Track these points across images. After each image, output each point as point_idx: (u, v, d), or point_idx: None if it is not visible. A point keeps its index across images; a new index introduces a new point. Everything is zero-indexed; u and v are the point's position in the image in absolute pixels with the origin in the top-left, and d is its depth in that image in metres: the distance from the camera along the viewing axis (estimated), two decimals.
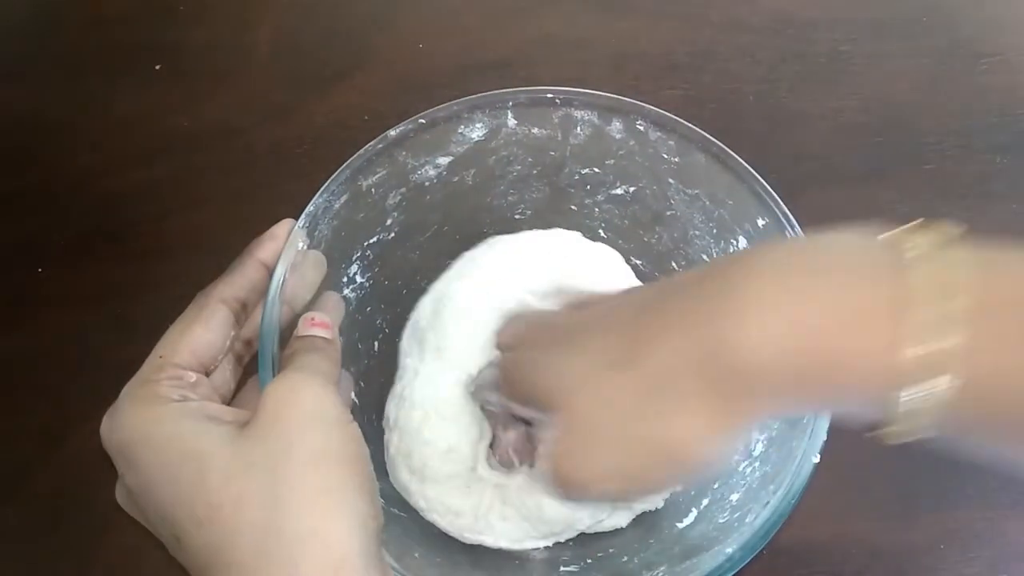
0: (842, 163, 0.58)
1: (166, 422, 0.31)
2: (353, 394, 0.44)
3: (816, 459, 0.37)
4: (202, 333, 0.35)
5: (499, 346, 0.41)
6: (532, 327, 0.39)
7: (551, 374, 0.32)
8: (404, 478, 0.42)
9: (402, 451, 0.42)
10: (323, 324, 0.36)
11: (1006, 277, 0.25)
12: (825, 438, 0.37)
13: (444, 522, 0.42)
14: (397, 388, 0.45)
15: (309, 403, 0.30)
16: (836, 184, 0.57)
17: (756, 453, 0.41)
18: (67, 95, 0.64)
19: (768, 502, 0.36)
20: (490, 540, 0.42)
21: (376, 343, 0.47)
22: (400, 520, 0.41)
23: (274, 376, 0.34)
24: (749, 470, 0.40)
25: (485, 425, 0.42)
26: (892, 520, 0.46)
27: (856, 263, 0.27)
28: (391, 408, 0.44)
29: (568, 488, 0.32)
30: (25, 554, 0.46)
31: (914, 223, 0.27)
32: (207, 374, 0.35)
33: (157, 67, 0.64)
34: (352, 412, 0.43)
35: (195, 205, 0.58)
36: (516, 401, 0.36)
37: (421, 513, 0.42)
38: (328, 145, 0.59)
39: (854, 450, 0.48)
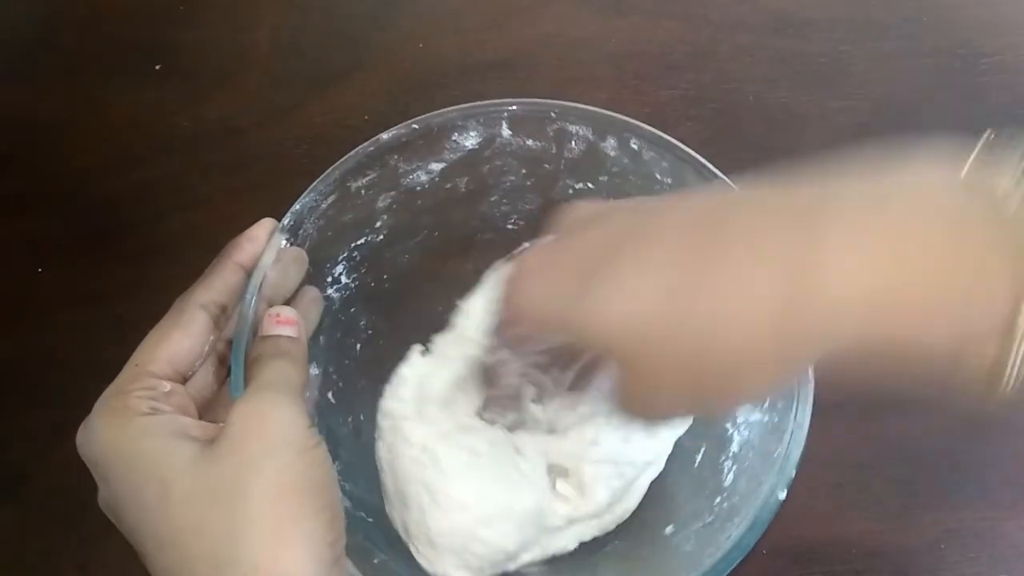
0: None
1: (133, 439, 0.31)
2: (331, 394, 0.45)
3: (783, 496, 0.36)
4: (180, 339, 0.34)
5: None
6: (554, 246, 0.33)
7: (596, 305, 0.28)
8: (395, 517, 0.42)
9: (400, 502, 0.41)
10: (288, 321, 0.36)
11: None
12: (794, 474, 0.36)
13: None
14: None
15: (274, 428, 0.30)
16: None
17: (726, 484, 0.40)
18: (67, 95, 0.64)
19: (731, 534, 0.36)
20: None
21: (359, 344, 0.47)
22: (364, 524, 0.41)
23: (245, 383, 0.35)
24: (718, 500, 0.40)
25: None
26: (892, 520, 0.46)
27: (948, 218, 0.25)
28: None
29: (636, 419, 0.32)
30: (25, 554, 0.46)
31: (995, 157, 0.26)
32: (185, 380, 0.35)
33: (157, 67, 0.64)
34: (328, 412, 0.44)
35: (195, 205, 0.58)
36: (531, 325, 0.32)
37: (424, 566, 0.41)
38: (328, 145, 0.59)
39: (854, 450, 0.48)
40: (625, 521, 0.43)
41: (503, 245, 0.49)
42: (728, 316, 0.26)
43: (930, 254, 0.24)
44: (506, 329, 0.36)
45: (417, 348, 0.44)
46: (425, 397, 0.42)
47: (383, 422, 0.43)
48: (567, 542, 0.42)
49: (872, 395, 0.50)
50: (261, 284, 0.38)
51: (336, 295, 0.46)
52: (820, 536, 0.46)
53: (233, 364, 0.36)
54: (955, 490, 0.47)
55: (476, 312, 0.41)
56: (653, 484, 0.44)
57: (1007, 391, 0.24)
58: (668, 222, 0.29)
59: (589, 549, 0.43)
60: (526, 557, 0.42)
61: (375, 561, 0.39)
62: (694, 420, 0.45)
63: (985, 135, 0.26)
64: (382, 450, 0.42)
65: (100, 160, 0.60)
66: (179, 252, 0.56)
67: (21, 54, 0.66)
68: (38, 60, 0.66)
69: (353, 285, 0.47)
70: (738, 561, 0.35)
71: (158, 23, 0.67)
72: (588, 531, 0.43)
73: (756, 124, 0.60)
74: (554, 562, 0.43)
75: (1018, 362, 0.23)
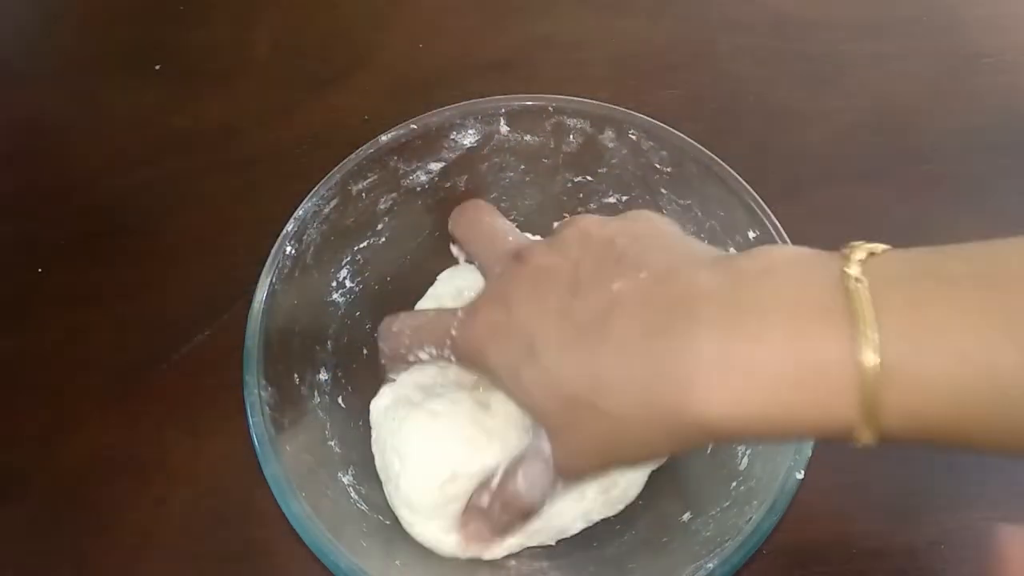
0: (842, 163, 0.58)
1: None
2: (340, 399, 0.45)
3: (800, 475, 0.36)
4: None
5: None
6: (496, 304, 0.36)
7: (528, 384, 0.33)
8: (395, 503, 0.42)
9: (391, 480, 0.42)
10: None
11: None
12: (811, 454, 0.36)
13: (438, 547, 0.41)
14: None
15: None
16: (836, 184, 0.57)
17: (741, 468, 0.40)
18: (67, 95, 0.64)
19: (751, 518, 0.36)
20: (486, 554, 0.42)
21: (365, 348, 0.47)
22: (384, 528, 0.41)
23: (257, 375, 0.38)
24: (733, 484, 0.40)
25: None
26: (892, 520, 0.46)
27: (800, 302, 0.27)
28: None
29: (569, 480, 0.36)
30: (25, 554, 0.46)
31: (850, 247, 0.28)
32: None
33: (157, 67, 0.64)
34: (339, 417, 0.44)
35: (195, 205, 0.57)
36: (477, 372, 0.37)
37: (412, 535, 0.42)
38: (328, 145, 0.59)
39: (854, 450, 0.48)
40: (641, 510, 0.43)
41: None
42: (624, 417, 0.30)
43: (779, 381, 0.27)
44: (455, 361, 0.38)
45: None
46: (401, 385, 0.43)
47: (372, 415, 0.44)
48: (571, 520, 0.42)
49: None
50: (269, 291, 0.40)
51: (341, 299, 0.46)
52: (820, 536, 0.46)
53: (246, 368, 0.38)
54: (955, 490, 0.47)
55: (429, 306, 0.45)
56: (666, 472, 0.44)
57: (870, 445, 0.28)
58: (573, 318, 0.32)
59: (607, 540, 0.43)
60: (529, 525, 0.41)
61: (397, 563, 0.39)
62: None
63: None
64: (374, 444, 0.43)
65: (100, 160, 0.60)
66: (179, 252, 0.56)
67: (21, 54, 0.66)
68: (38, 60, 0.66)
69: (357, 289, 0.47)
70: (759, 544, 0.35)
71: (158, 23, 0.67)
72: (593, 508, 0.42)
73: (756, 124, 0.60)
74: (573, 555, 0.43)
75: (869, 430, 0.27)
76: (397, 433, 0.41)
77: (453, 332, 0.36)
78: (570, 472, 0.35)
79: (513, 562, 0.43)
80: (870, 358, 0.25)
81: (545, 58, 0.64)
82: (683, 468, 0.44)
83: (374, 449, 0.43)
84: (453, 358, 0.37)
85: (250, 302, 0.41)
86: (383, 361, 0.41)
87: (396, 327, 0.40)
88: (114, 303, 0.54)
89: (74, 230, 0.57)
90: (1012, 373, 0.24)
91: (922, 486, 0.47)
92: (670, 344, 0.28)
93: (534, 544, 0.43)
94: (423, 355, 0.39)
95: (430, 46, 0.65)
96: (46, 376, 0.52)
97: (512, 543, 0.42)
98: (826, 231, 0.55)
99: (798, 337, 0.26)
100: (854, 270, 0.26)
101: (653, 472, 0.44)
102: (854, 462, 0.48)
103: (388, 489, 0.42)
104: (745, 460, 0.41)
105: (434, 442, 0.40)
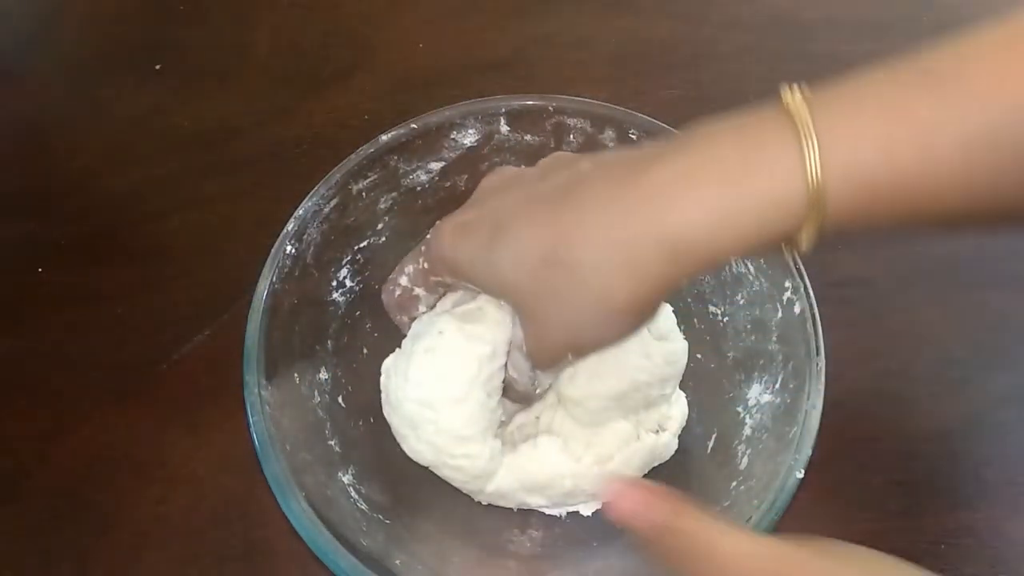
0: None
1: None
2: (341, 398, 0.45)
3: (800, 475, 0.36)
4: None
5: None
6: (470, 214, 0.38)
7: (495, 266, 0.34)
8: (414, 440, 0.41)
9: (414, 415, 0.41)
10: None
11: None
12: (811, 453, 0.37)
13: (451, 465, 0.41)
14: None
15: None
16: None
17: (742, 467, 0.40)
18: (67, 95, 0.64)
19: (751, 517, 0.36)
20: (490, 487, 0.42)
21: (365, 348, 0.47)
22: (383, 526, 0.41)
23: (257, 375, 0.39)
24: (733, 484, 0.40)
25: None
26: (892, 520, 0.46)
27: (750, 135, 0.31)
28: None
29: (541, 366, 0.39)
30: (25, 554, 0.46)
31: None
32: None
33: (157, 67, 0.64)
34: (339, 416, 0.44)
35: (195, 205, 0.58)
36: (448, 275, 0.38)
37: (434, 469, 0.41)
38: (328, 145, 0.59)
39: (854, 450, 0.48)
40: None
41: None
42: (589, 272, 0.31)
43: (733, 180, 0.29)
44: (427, 276, 0.39)
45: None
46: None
47: (382, 378, 0.43)
48: (567, 479, 0.42)
49: (871, 395, 0.50)
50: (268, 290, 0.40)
51: (341, 299, 0.46)
52: (820, 536, 0.46)
53: (246, 367, 0.38)
54: (955, 490, 0.47)
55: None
56: (667, 472, 0.44)
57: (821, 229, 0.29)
58: (540, 195, 0.34)
59: (607, 540, 0.43)
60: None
61: (396, 562, 0.39)
62: (704, 407, 0.45)
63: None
64: (385, 405, 0.42)
65: (100, 160, 0.60)
66: (179, 252, 0.56)
67: (21, 54, 0.66)
68: (38, 60, 0.66)
69: (358, 288, 0.47)
70: None
71: (158, 23, 0.68)
72: (587, 475, 0.42)
73: None
74: (573, 554, 0.43)
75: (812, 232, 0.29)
76: (405, 386, 0.40)
77: (427, 235, 0.38)
78: (541, 360, 0.37)
79: (513, 563, 0.43)
80: (807, 138, 0.28)
81: (545, 58, 0.64)
82: (684, 468, 0.44)
83: (386, 411, 0.42)
84: (426, 263, 0.38)
85: (250, 302, 0.41)
86: (395, 320, 0.43)
87: (389, 276, 0.42)
88: (114, 303, 0.54)
89: (74, 230, 0.57)
90: (928, 118, 0.27)
91: (922, 486, 0.47)
92: (634, 183, 0.31)
93: (530, 503, 0.43)
94: (403, 280, 0.40)
95: (430, 46, 0.65)
96: (46, 376, 0.52)
97: (511, 498, 0.42)
98: None
99: (744, 142, 0.30)
100: (789, 91, 0.31)
101: (653, 471, 0.44)
102: (854, 462, 0.48)
103: (420, 435, 0.41)
104: (745, 460, 0.41)
105: (451, 372, 0.39)
